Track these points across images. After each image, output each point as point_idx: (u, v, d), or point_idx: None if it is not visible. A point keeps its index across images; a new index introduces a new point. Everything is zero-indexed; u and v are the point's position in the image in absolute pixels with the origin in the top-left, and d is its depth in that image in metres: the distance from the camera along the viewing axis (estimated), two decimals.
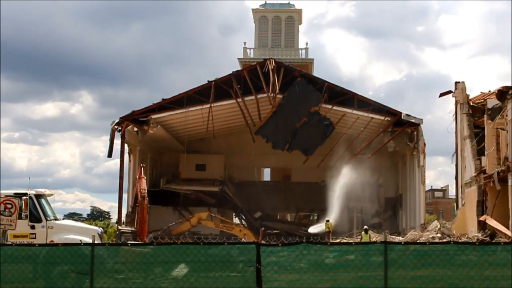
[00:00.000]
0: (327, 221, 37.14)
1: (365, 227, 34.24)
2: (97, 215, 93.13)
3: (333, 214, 40.32)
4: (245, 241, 33.71)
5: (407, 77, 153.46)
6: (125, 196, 38.49)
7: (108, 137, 37.81)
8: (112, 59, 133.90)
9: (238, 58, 61.61)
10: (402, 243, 14.17)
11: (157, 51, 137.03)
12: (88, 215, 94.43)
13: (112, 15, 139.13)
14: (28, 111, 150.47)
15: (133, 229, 27.65)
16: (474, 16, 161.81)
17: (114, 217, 67.73)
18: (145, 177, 28.65)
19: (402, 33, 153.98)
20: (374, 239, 29.79)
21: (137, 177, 29.02)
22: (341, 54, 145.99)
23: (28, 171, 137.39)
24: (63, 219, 27.01)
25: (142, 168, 29.18)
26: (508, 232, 23.36)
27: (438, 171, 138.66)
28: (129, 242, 22.50)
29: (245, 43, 62.73)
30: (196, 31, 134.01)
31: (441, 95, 32.99)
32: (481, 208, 26.81)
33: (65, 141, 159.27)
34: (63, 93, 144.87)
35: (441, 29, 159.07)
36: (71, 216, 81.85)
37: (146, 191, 27.33)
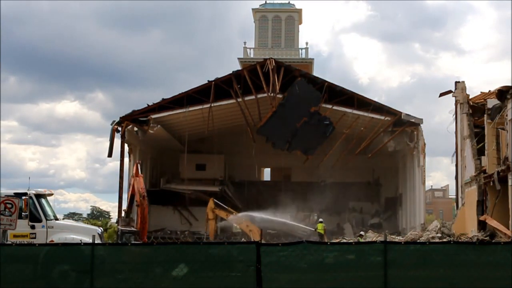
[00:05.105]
0: (320, 222, 36.65)
1: (361, 232, 34.04)
2: (97, 215, 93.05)
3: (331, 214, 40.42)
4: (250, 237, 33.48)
5: (419, 80, 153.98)
6: (125, 196, 38.50)
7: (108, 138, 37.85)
8: (128, 63, 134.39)
9: (238, 58, 61.56)
10: (402, 243, 14.19)
11: (175, 55, 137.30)
12: (88, 215, 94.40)
13: (131, 20, 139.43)
14: (41, 112, 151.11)
15: (134, 229, 27.56)
16: (489, 23, 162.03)
17: (114, 217, 67.70)
18: (143, 175, 27.62)
19: (416, 37, 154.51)
20: (374, 239, 29.75)
21: (133, 174, 27.60)
22: (353, 57, 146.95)
23: (38, 172, 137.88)
24: (63, 219, 27.00)
25: (139, 165, 27.64)
26: (508, 232, 23.36)
27: (447, 172, 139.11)
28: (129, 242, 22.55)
29: (245, 43, 62.75)
30: (213, 36, 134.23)
31: (441, 94, 32.98)
32: (481, 208, 26.80)
33: (77, 142, 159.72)
34: (78, 95, 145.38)
35: (455, 34, 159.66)
36: (71, 216, 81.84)
37: (145, 190, 26.69)
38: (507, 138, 24.30)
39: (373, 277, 11.68)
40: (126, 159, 39.04)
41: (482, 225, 26.33)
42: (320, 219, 37.32)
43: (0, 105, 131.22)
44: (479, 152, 28.46)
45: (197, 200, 44.61)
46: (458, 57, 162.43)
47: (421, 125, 38.47)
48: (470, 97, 31.29)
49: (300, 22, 65.02)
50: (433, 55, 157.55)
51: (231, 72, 39.55)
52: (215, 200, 36.78)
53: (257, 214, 37.47)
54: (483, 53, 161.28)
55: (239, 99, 38.87)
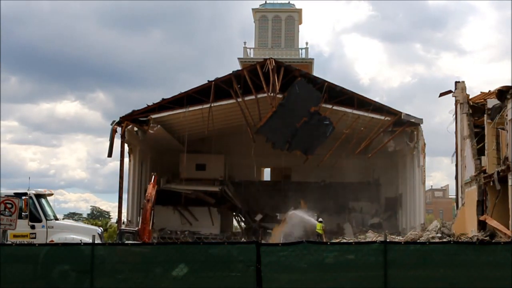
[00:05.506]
0: (320, 221, 36.63)
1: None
2: (97, 215, 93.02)
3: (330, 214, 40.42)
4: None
5: (420, 81, 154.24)
6: (125, 196, 38.50)
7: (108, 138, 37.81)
8: (128, 63, 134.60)
9: (238, 58, 61.55)
10: (402, 243, 14.19)
11: (175, 55, 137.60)
12: (88, 215, 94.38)
13: (131, 20, 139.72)
14: (41, 112, 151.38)
15: (134, 229, 27.71)
16: (490, 23, 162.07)
17: (114, 217, 67.69)
18: (156, 186, 28.48)
19: (417, 37, 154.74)
20: (374, 239, 29.72)
21: (150, 183, 28.73)
22: (354, 57, 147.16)
23: (38, 172, 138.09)
24: (63, 219, 27.03)
25: (154, 176, 28.82)
26: (508, 232, 23.36)
27: (447, 172, 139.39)
28: (128, 242, 22.57)
29: (245, 42, 62.75)
30: (213, 36, 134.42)
31: (441, 94, 32.96)
32: (481, 208, 26.79)
33: (77, 142, 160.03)
34: (79, 95, 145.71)
35: (456, 34, 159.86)
36: (71, 216, 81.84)
37: (153, 196, 27.38)
38: (507, 138, 24.29)
39: (373, 277, 11.67)
40: (126, 159, 39.07)
41: (482, 225, 26.32)
42: (320, 219, 37.29)
43: (0, 105, 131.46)
44: (479, 152, 28.45)
45: (197, 200, 44.62)
46: (459, 57, 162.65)
47: (421, 125, 38.47)
48: (470, 97, 31.27)
49: (300, 22, 65.01)
50: (434, 55, 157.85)
51: (231, 72, 39.55)
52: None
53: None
54: (484, 53, 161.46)
55: (239, 99, 38.86)
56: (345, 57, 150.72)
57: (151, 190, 27.30)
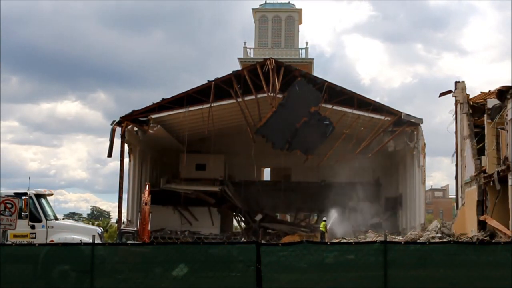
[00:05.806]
0: (324, 220, 37.00)
1: None
2: (97, 215, 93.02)
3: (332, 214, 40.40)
4: None
5: (420, 81, 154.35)
6: (125, 196, 38.49)
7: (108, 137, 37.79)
8: (129, 63, 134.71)
9: (238, 58, 61.54)
10: (402, 243, 14.20)
11: (175, 55, 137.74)
12: (88, 215, 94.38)
13: (131, 20, 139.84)
14: (42, 112, 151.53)
15: (134, 229, 27.77)
16: (491, 24, 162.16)
17: (114, 217, 67.69)
18: (150, 195, 28.99)
19: (418, 37, 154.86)
20: (374, 239, 29.74)
21: (144, 192, 29.29)
22: (355, 57, 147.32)
23: (39, 172, 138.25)
24: (63, 219, 27.03)
25: (148, 185, 29.65)
26: (508, 232, 23.37)
27: (447, 172, 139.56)
28: (128, 242, 22.59)
29: (245, 42, 62.74)
30: (214, 36, 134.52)
31: (441, 94, 32.95)
32: (481, 208, 26.79)
33: (78, 142, 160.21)
34: (79, 95, 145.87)
35: (457, 34, 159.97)
36: (71, 216, 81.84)
37: (149, 201, 27.71)
38: (507, 138, 24.30)
39: (373, 277, 11.67)
40: (126, 159, 39.07)
41: (482, 225, 26.33)
42: (324, 218, 37.58)
43: (0, 105, 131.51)
44: (479, 152, 28.45)
45: (197, 200, 44.58)
46: (460, 57, 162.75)
47: (421, 125, 38.46)
48: (470, 97, 31.28)
49: (300, 22, 65.01)
50: (435, 55, 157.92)
51: (231, 72, 39.54)
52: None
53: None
54: (485, 53, 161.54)
55: (239, 99, 38.86)
56: (346, 57, 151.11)
57: (147, 196, 27.68)
